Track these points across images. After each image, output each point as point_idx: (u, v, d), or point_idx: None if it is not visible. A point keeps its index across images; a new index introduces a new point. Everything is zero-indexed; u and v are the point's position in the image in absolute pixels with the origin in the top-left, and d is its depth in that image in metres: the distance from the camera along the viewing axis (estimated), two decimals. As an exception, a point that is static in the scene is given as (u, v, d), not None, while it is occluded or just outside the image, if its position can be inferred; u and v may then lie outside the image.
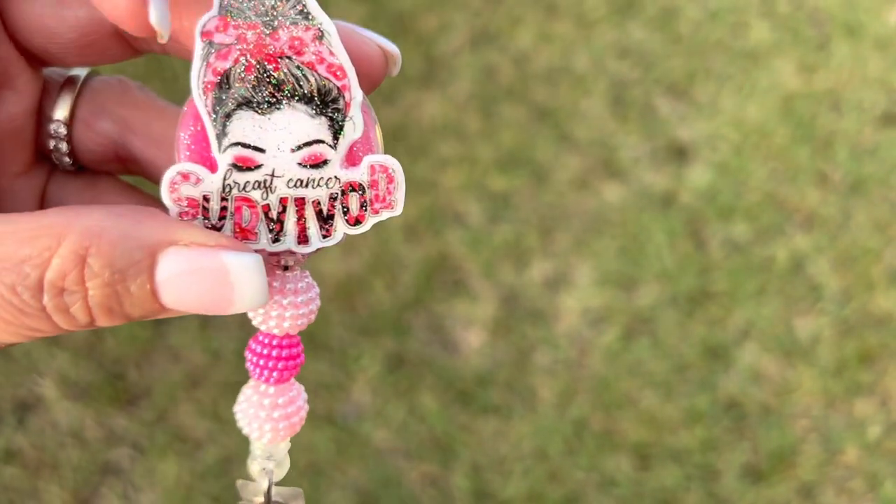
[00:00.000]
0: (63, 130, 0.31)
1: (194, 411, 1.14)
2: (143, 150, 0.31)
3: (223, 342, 1.21)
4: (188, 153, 0.27)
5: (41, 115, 0.31)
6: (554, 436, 1.15)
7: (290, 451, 1.12)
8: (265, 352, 0.29)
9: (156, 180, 0.31)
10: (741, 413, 1.19)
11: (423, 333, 1.24)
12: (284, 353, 0.29)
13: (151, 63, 1.45)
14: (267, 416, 0.30)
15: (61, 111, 0.31)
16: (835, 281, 1.33)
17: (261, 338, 0.29)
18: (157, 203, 0.27)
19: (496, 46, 1.64)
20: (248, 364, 0.30)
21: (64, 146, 0.31)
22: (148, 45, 0.29)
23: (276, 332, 0.29)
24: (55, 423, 1.12)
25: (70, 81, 0.31)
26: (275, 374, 0.29)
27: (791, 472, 1.14)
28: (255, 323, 0.29)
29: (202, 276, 0.24)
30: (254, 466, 0.31)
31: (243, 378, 1.08)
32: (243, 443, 1.18)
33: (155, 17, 0.25)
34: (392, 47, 0.29)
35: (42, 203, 0.32)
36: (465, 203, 1.39)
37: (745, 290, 1.31)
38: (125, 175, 0.33)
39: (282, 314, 0.29)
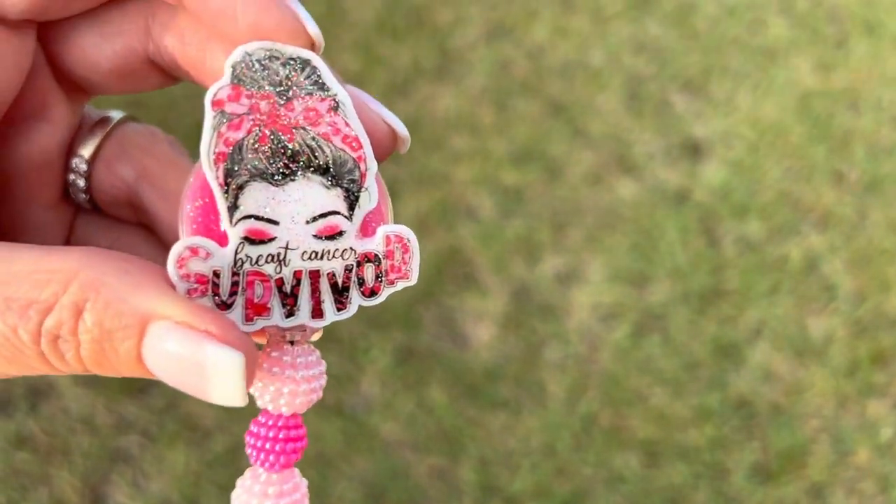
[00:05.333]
0: (84, 167, 0.31)
1: (203, 401, 1.15)
2: (154, 202, 0.31)
3: (234, 332, 1.21)
4: (195, 226, 0.26)
5: (70, 151, 0.32)
6: (562, 431, 1.15)
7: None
8: (271, 434, 0.27)
9: (160, 235, 0.32)
10: (751, 412, 1.18)
11: (433, 327, 1.24)
12: (292, 434, 0.27)
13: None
14: None
15: (87, 149, 0.31)
16: (849, 281, 1.32)
17: (263, 419, 0.27)
18: None
19: (511, 40, 1.64)
20: (248, 449, 0.28)
21: (81, 182, 0.32)
22: (180, 73, 0.29)
23: (284, 410, 0.27)
24: (66, 410, 1.13)
25: (103, 121, 0.32)
26: (282, 458, 0.27)
27: (801, 472, 1.14)
28: (261, 403, 0.27)
29: (182, 360, 0.24)
30: None
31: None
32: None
33: (313, 28, 0.26)
34: (401, 128, 0.28)
35: (69, 236, 0.33)
36: (477, 197, 1.39)
37: (758, 289, 1.31)
38: (137, 223, 0.33)
39: (295, 390, 0.27)
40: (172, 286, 0.24)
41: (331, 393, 1.17)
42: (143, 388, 1.16)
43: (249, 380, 0.24)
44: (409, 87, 1.55)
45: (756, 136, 1.51)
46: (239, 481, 0.28)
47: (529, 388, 1.19)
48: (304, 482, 0.28)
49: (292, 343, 0.27)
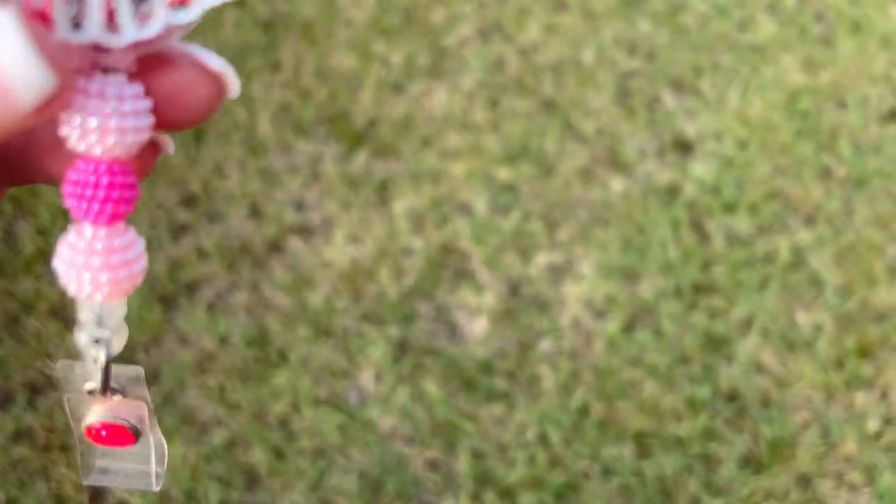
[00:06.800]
0: None
1: (201, 395, 1.16)
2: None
3: (231, 328, 1.22)
4: None
5: None
6: (556, 424, 1.16)
7: (295, 435, 1.13)
8: (92, 179, 0.22)
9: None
10: (741, 404, 1.20)
11: (428, 321, 1.25)
12: (118, 180, 0.23)
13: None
14: (103, 264, 0.23)
15: None
16: (837, 275, 1.34)
17: (82, 165, 0.23)
18: None
19: (504, 38, 1.65)
20: (69, 202, 0.23)
21: None
22: None
23: (98, 151, 0.22)
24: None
25: None
26: (109, 206, 0.23)
27: (790, 463, 1.15)
28: (72, 144, 0.22)
29: None
30: (82, 338, 0.25)
31: (251, 365, 1.11)
32: (249, 425, 1.20)
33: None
34: (227, 69, 0.23)
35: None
36: (471, 193, 1.40)
37: (748, 283, 1.32)
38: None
39: (105, 125, 0.22)
40: None
41: (327, 387, 1.18)
42: (141, 382, 1.17)
43: (40, 41, 0.19)
44: (403, 84, 1.56)
45: (745, 132, 1.52)
46: (61, 240, 0.23)
47: (524, 381, 1.20)
48: (142, 240, 0.24)
49: (105, 71, 0.22)
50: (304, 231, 1.35)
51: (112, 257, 0.23)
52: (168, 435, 1.11)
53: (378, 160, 1.44)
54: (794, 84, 1.61)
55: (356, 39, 1.62)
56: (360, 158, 1.44)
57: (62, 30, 0.20)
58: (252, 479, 1.10)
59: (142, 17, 0.21)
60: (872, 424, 1.19)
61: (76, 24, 0.20)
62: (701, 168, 1.47)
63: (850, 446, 1.17)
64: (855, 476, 1.15)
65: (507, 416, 1.17)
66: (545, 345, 1.24)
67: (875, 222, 1.41)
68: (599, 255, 1.34)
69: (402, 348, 1.22)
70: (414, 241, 1.34)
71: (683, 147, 1.50)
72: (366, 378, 1.19)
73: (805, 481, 1.14)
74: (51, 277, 1.24)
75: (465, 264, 1.32)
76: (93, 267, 0.23)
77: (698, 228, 1.39)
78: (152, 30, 0.21)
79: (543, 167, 1.45)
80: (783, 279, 1.33)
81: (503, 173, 1.43)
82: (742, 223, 1.40)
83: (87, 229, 0.23)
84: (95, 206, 0.23)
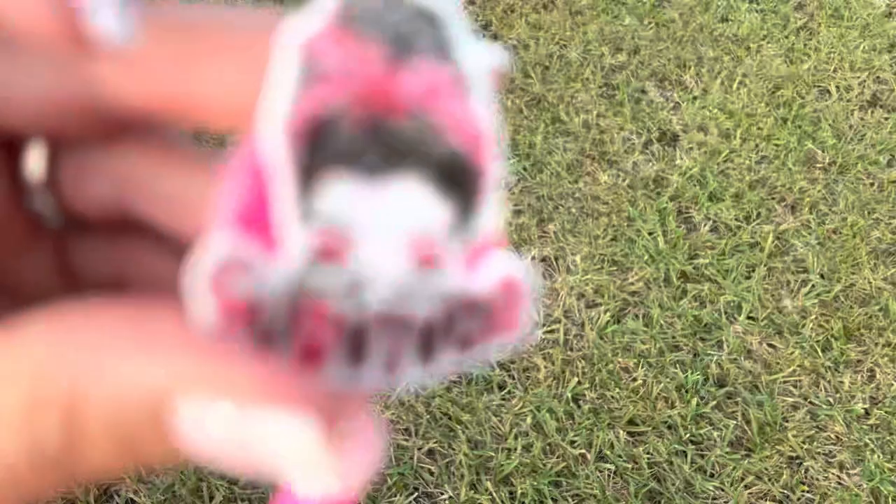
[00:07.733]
0: (45, 198, 0.21)
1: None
2: (153, 215, 0.21)
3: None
4: (235, 225, 0.17)
5: (15, 177, 0.21)
6: (551, 412, 1.18)
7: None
8: None
9: (168, 248, 0.21)
10: (731, 389, 1.22)
11: (424, 316, 1.27)
12: None
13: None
14: None
15: (34, 169, 0.20)
16: (822, 260, 1.36)
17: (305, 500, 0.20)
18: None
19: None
20: None
21: (50, 210, 0.21)
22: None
23: (335, 491, 0.18)
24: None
25: None
26: None
27: (780, 445, 1.17)
28: (313, 483, 0.18)
29: (230, 441, 0.16)
30: None
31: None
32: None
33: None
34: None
35: (65, 268, 0.22)
36: (462, 190, 1.42)
37: (734, 271, 1.34)
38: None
39: (356, 468, 0.18)
40: (183, 337, 0.16)
41: (327, 383, 1.20)
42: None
43: (336, 438, 0.16)
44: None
45: (729, 123, 1.54)
46: None
47: (519, 371, 1.23)
48: None
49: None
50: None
51: None
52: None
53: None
54: (777, 74, 1.63)
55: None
56: (353, 159, 1.46)
57: (335, 373, 0.17)
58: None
59: (424, 361, 0.18)
60: (860, 405, 1.21)
61: (351, 369, 0.18)
62: (686, 159, 1.49)
63: (838, 427, 1.19)
64: (844, 456, 1.17)
65: (503, 406, 1.19)
66: (539, 335, 1.26)
67: (859, 208, 1.43)
68: (589, 247, 1.36)
69: (399, 343, 1.24)
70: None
71: (669, 139, 1.53)
72: (364, 373, 1.21)
73: (795, 462, 1.16)
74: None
75: (459, 260, 1.34)
76: None
77: (685, 218, 1.41)
78: (434, 376, 0.18)
79: (534, 162, 1.47)
80: (769, 265, 1.36)
81: (494, 169, 1.45)
82: (728, 212, 1.42)
83: None
84: None
